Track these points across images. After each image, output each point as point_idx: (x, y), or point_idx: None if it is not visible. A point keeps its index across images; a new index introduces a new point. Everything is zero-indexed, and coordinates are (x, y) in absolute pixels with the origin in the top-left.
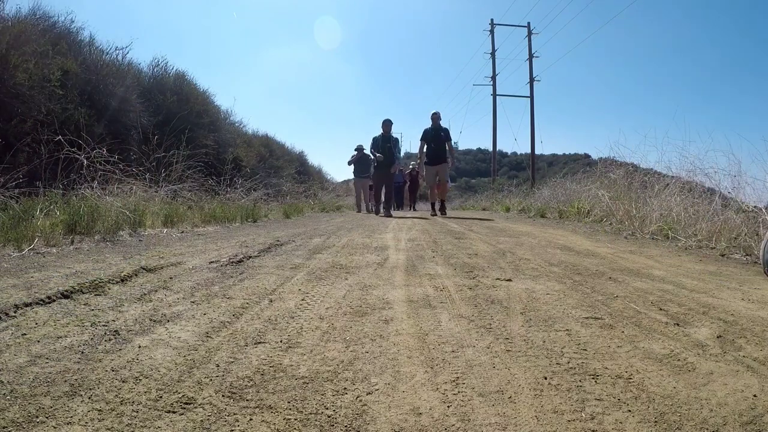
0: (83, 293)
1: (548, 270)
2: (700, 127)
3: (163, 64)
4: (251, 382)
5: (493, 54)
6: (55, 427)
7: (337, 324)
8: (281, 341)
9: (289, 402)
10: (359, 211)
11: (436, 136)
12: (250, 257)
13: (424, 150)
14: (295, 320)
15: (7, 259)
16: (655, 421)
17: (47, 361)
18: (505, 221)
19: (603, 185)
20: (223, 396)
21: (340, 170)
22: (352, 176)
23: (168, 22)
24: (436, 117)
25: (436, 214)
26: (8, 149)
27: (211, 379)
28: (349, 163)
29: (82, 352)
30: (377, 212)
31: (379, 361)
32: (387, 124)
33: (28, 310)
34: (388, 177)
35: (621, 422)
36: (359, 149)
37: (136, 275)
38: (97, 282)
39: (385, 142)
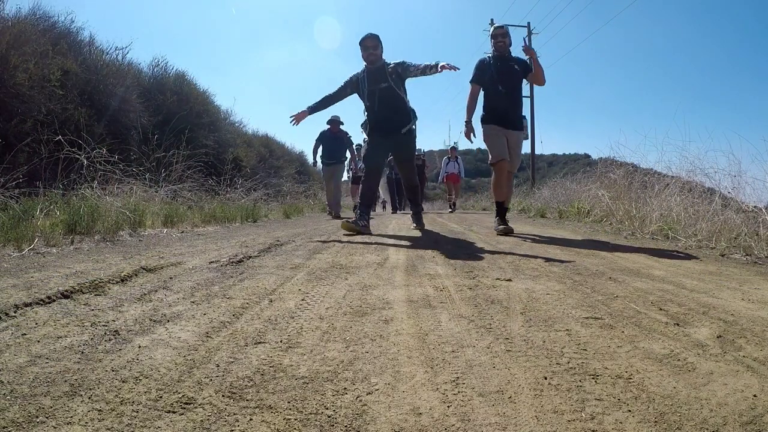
0: (83, 293)
1: (548, 270)
2: (700, 127)
3: (163, 64)
4: (251, 382)
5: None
6: (55, 427)
7: (337, 324)
8: (281, 341)
9: (289, 402)
10: (331, 213)
11: (505, 72)
12: (250, 257)
13: (475, 102)
14: (295, 320)
15: (7, 259)
16: (655, 421)
17: (47, 361)
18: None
19: (603, 185)
20: (223, 396)
21: None
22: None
23: (168, 22)
24: (500, 36)
25: (507, 228)
26: (8, 149)
27: (211, 379)
28: (315, 151)
29: (82, 352)
30: (360, 222)
31: (379, 361)
32: (369, 45)
33: (28, 310)
34: (402, 151)
35: (621, 422)
36: (333, 122)
37: (136, 275)
38: (97, 282)
39: (375, 81)
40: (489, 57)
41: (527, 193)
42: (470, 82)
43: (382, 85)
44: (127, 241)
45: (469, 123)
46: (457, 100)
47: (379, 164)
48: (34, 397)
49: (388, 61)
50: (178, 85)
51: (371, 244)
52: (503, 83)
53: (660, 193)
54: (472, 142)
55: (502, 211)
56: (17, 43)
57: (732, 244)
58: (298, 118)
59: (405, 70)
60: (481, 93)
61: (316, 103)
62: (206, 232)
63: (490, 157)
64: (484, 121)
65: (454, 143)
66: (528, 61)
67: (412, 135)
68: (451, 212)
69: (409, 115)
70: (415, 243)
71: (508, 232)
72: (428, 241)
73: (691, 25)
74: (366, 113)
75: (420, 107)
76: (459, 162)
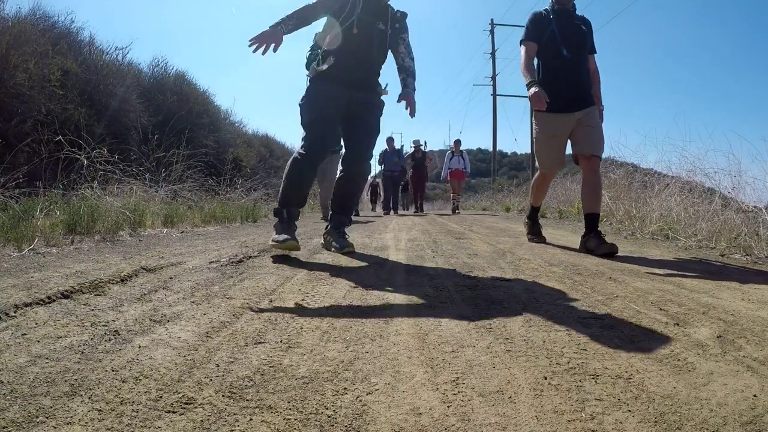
0: (83, 293)
1: (548, 270)
2: (700, 128)
3: (163, 64)
4: (251, 382)
5: (493, 54)
6: (55, 427)
7: (337, 324)
8: (281, 341)
9: (289, 402)
10: (325, 217)
11: (570, 31)
12: (250, 257)
13: (534, 66)
14: (295, 320)
15: (7, 259)
16: (655, 421)
17: (47, 361)
18: (505, 221)
19: (603, 185)
20: (223, 396)
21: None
22: None
23: (168, 22)
24: None
25: (540, 238)
26: (8, 149)
27: (211, 379)
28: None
29: (82, 352)
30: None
31: (379, 361)
32: None
33: (28, 310)
34: (366, 113)
35: (621, 422)
36: None
37: (136, 275)
38: (97, 282)
39: (374, 15)
40: (546, 11)
41: (527, 194)
42: (523, 41)
43: (380, 26)
44: (127, 241)
45: (534, 83)
46: (457, 99)
47: (331, 144)
48: (34, 397)
49: (395, 8)
50: (178, 85)
51: (371, 244)
52: (568, 46)
53: (660, 193)
54: (545, 109)
55: (535, 217)
56: (17, 43)
57: (732, 244)
58: (270, 44)
59: (402, 33)
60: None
61: (288, 18)
62: (206, 232)
63: (537, 163)
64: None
65: (458, 138)
66: (591, 26)
67: (382, 104)
68: (454, 213)
69: (379, 83)
70: (415, 244)
71: (540, 242)
72: (428, 241)
73: (691, 24)
74: (328, 45)
75: (419, 107)
76: (464, 157)
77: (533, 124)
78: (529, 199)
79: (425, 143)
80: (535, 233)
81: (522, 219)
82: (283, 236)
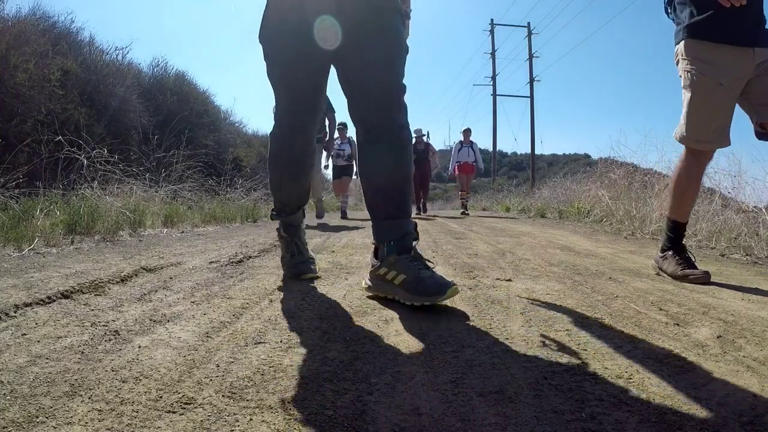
0: (83, 293)
1: (548, 270)
2: None
3: (163, 64)
4: (251, 382)
5: (493, 54)
6: (55, 427)
7: (337, 324)
8: (281, 341)
9: (289, 402)
10: (319, 215)
11: None
12: (250, 257)
13: None
14: (295, 320)
15: (7, 259)
16: (655, 421)
17: (47, 361)
18: (505, 221)
19: (603, 185)
20: (223, 396)
21: None
22: None
23: (168, 22)
24: None
25: (704, 275)
26: (8, 149)
27: (211, 379)
28: None
29: (82, 352)
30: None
31: (379, 361)
32: None
33: (28, 310)
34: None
35: (621, 422)
36: None
37: (136, 275)
38: (97, 282)
39: None
40: None
41: (527, 193)
42: None
43: None
44: (127, 241)
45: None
46: (457, 99)
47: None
48: (34, 397)
49: None
50: (178, 85)
51: (371, 244)
52: None
53: (660, 193)
54: (735, 5)
55: (680, 243)
56: (17, 43)
57: (732, 244)
58: None
59: None
60: None
61: None
62: (206, 232)
63: (679, 126)
64: (694, 32)
65: (468, 127)
66: None
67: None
68: (463, 214)
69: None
70: None
71: (705, 281)
72: (428, 241)
73: None
74: None
75: (419, 107)
76: (474, 148)
77: (682, 61)
78: (666, 211)
79: (428, 133)
80: (688, 266)
81: (521, 219)
82: None
